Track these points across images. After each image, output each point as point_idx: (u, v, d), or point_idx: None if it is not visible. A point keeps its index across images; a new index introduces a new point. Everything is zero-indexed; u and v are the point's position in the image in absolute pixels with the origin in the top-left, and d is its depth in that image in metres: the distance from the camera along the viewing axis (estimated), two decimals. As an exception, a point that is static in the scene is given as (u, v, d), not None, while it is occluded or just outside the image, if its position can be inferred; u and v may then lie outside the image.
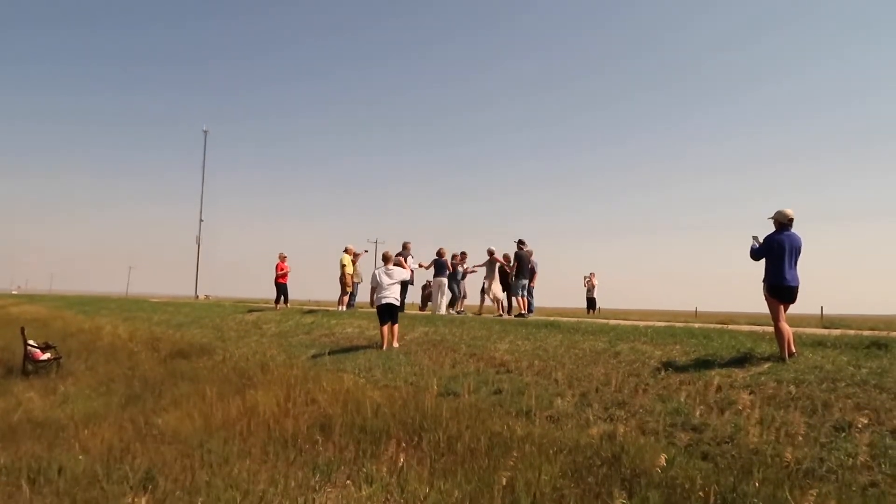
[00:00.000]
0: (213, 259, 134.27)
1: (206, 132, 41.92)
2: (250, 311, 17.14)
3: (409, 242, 14.73)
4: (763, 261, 6.53)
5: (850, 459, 4.15)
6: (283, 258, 17.06)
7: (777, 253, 6.35)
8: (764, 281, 6.48)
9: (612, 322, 10.70)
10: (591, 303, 20.64)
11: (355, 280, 16.10)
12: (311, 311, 15.15)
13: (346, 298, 15.68)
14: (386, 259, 10.25)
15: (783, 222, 6.46)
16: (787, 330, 6.34)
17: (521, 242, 14.09)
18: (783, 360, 6.20)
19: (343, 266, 15.49)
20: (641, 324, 10.24)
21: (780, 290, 6.36)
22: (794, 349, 6.34)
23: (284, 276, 17.07)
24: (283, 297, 17.23)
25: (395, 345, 9.65)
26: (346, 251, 15.76)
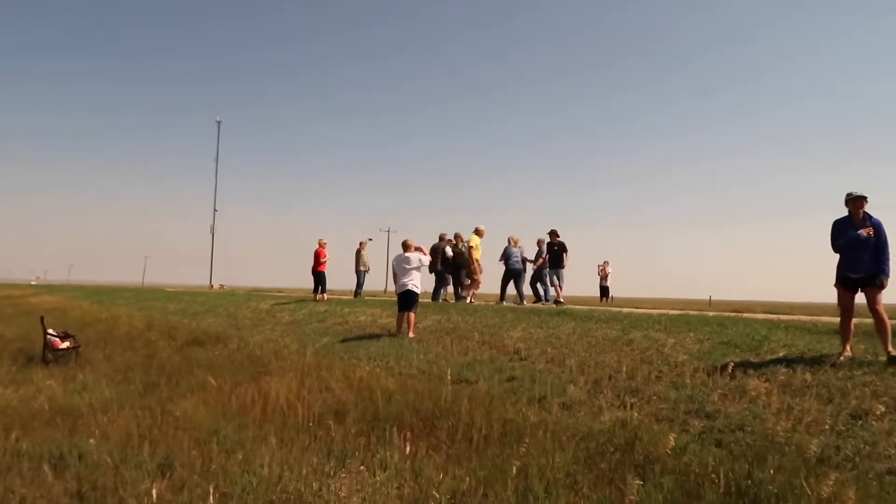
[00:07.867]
0: (227, 248, 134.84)
1: (219, 123, 42.17)
2: (278, 303, 16.13)
3: (444, 234, 14.53)
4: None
5: (868, 447, 4.11)
6: (322, 245, 15.67)
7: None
8: (885, 272, 5.87)
9: (626, 310, 10.66)
10: (604, 291, 20.59)
11: (361, 269, 15.91)
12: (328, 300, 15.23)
13: (472, 288, 13.89)
14: (406, 247, 10.28)
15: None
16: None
17: (554, 233, 14.21)
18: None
19: (470, 248, 13.87)
20: (655, 312, 10.18)
21: None
22: None
23: (323, 264, 15.71)
24: (321, 287, 15.73)
25: (411, 335, 9.66)
26: (476, 232, 14.20)
